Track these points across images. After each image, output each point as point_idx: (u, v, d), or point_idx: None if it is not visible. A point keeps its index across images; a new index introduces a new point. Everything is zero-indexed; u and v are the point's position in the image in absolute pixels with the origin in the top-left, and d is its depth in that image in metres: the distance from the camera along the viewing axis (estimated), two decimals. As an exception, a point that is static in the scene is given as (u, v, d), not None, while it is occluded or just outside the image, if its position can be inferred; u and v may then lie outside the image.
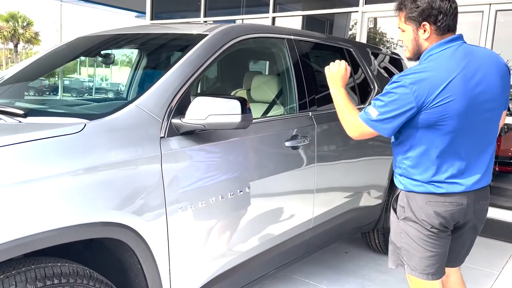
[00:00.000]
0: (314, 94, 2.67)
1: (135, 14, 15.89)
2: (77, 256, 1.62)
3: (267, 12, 6.83)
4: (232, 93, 3.28)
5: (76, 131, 1.55)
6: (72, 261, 1.52)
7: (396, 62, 4.17)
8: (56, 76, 2.81)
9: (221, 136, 2.00)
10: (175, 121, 1.82)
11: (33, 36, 41.65)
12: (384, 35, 7.37)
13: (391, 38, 7.43)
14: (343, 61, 2.13)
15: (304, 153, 2.48)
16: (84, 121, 1.62)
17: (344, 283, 3.14)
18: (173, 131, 1.81)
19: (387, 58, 4.04)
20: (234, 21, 7.31)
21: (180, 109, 1.85)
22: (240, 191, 2.07)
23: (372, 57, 3.61)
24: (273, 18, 6.80)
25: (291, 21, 6.97)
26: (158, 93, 1.84)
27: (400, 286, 3.14)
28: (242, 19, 7.25)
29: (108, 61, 2.67)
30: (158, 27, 2.56)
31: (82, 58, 2.79)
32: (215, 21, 7.61)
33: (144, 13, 8.71)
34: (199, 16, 7.71)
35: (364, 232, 3.55)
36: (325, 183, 2.67)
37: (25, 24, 40.43)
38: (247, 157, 2.15)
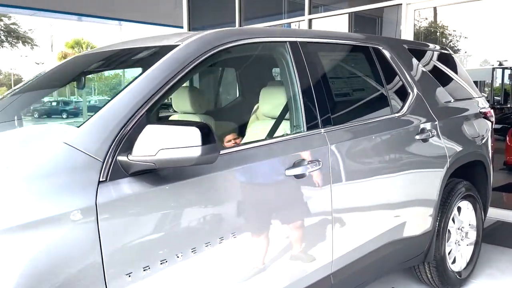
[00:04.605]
0: (328, 106, 2.17)
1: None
2: None
3: (303, 15, 6.37)
4: (254, 108, 2.87)
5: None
6: None
7: (447, 59, 3.54)
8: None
9: (192, 172, 1.58)
10: (122, 158, 1.42)
11: (97, 60, 43.91)
12: (438, 28, 6.59)
13: (446, 30, 6.63)
14: None
15: (313, 181, 1.98)
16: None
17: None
18: (119, 172, 1.42)
19: (434, 54, 3.42)
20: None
21: (131, 142, 1.46)
22: (220, 240, 1.63)
23: (411, 55, 3.02)
24: (310, 20, 6.32)
25: (336, 21, 6.42)
26: (99, 124, 1.46)
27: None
28: (278, 25, 6.84)
29: (80, 85, 2.36)
30: (137, 41, 2.18)
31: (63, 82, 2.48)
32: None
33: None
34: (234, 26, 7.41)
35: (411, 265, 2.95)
36: (347, 217, 2.15)
37: (89, 49, 42.82)
38: (231, 196, 1.71)
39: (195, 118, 2.88)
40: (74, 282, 1.26)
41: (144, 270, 1.41)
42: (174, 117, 3.05)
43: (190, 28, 8.38)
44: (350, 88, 2.56)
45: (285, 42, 2.15)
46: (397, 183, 2.46)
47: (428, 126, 2.73)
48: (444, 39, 6.61)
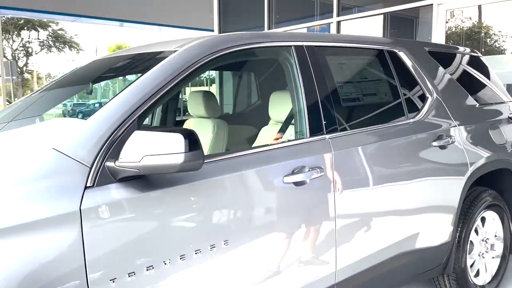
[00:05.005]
0: (334, 112, 2.12)
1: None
2: None
3: (331, 17, 6.28)
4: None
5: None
6: None
7: (475, 61, 3.37)
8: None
9: (183, 178, 1.57)
10: (110, 164, 1.44)
11: (138, 64, 44.95)
12: (482, 28, 6.29)
13: (491, 30, 6.29)
14: None
15: (315, 189, 1.93)
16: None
17: None
18: (107, 178, 1.43)
19: (460, 57, 3.26)
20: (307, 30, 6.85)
21: (120, 148, 1.47)
22: (212, 248, 1.61)
23: (432, 58, 2.90)
24: (338, 23, 6.22)
25: (370, 23, 6.27)
26: (89, 130, 1.48)
27: None
28: (306, 28, 6.78)
29: (88, 91, 2.42)
30: (143, 47, 2.21)
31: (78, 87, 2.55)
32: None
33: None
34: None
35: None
36: (351, 227, 2.08)
37: (131, 53, 43.77)
38: (223, 203, 1.68)
39: (209, 122, 2.89)
40: (56, 287, 1.28)
41: (129, 276, 1.42)
42: (189, 121, 3.07)
43: (221, 32, 8.46)
44: (361, 93, 2.48)
45: (290, 46, 2.12)
46: (409, 192, 2.36)
47: (447, 132, 2.61)
48: (488, 39, 6.29)
